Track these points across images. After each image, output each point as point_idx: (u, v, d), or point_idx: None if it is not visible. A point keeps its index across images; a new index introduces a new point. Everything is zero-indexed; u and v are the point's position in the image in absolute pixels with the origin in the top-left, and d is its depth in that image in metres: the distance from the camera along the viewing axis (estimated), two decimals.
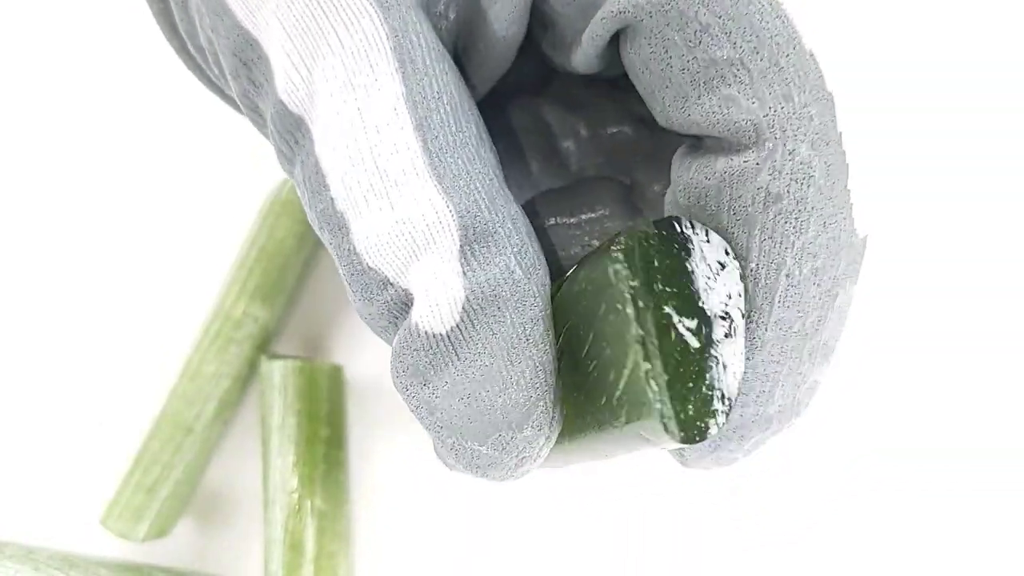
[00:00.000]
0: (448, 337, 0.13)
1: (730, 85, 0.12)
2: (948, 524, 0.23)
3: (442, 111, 0.13)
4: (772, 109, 0.12)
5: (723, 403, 0.12)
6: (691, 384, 0.11)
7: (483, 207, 0.13)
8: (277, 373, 0.23)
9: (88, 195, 0.27)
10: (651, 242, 0.12)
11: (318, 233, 0.14)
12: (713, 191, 0.13)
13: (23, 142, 0.27)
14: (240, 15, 0.14)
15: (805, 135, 0.12)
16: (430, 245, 0.13)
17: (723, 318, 0.12)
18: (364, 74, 0.13)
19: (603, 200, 0.18)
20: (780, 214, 0.12)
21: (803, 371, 0.13)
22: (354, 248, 0.13)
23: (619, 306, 0.12)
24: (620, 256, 0.12)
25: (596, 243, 0.17)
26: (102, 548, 0.25)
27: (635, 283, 0.12)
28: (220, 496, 0.25)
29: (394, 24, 0.13)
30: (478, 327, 0.13)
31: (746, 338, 0.13)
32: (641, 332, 0.11)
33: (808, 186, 0.12)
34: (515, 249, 0.13)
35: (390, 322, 0.14)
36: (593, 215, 0.18)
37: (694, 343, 0.12)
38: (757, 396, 0.13)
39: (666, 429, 0.11)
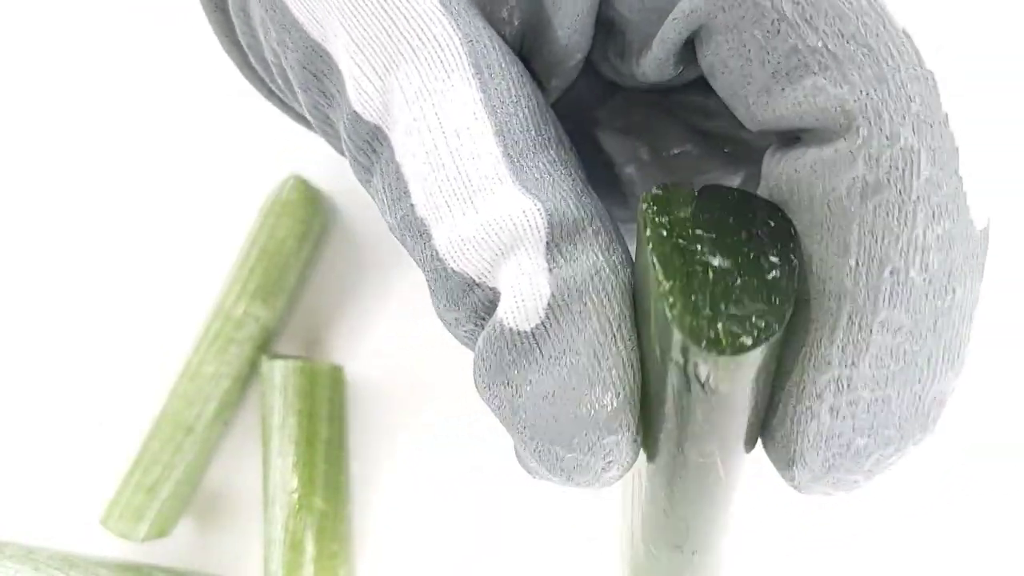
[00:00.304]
0: (532, 334, 0.12)
1: (815, 73, 0.11)
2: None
3: (520, 115, 0.13)
4: (864, 92, 0.11)
5: (767, 328, 0.11)
6: (721, 304, 0.11)
7: (569, 203, 0.13)
8: (278, 373, 0.23)
9: (88, 195, 0.27)
10: (682, 192, 0.12)
11: (399, 240, 0.14)
12: (804, 185, 0.12)
13: (23, 142, 0.27)
14: (308, 27, 0.14)
15: (905, 118, 0.11)
16: (517, 243, 0.12)
17: (767, 264, 0.12)
18: (440, 80, 0.13)
19: None
20: (881, 206, 0.11)
21: (923, 379, 0.12)
22: (437, 253, 0.13)
23: (644, 243, 0.11)
24: (648, 199, 0.12)
25: None
26: (102, 548, 0.25)
27: (661, 218, 0.12)
28: (220, 496, 0.25)
29: (466, 30, 0.13)
30: (564, 323, 0.12)
31: (849, 340, 0.12)
32: (661, 260, 0.11)
33: (911, 175, 0.11)
34: (602, 246, 0.13)
35: (476, 325, 0.14)
36: None
37: (728, 272, 0.11)
38: (868, 407, 0.12)
39: (690, 337, 0.10)
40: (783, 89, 0.12)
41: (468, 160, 0.13)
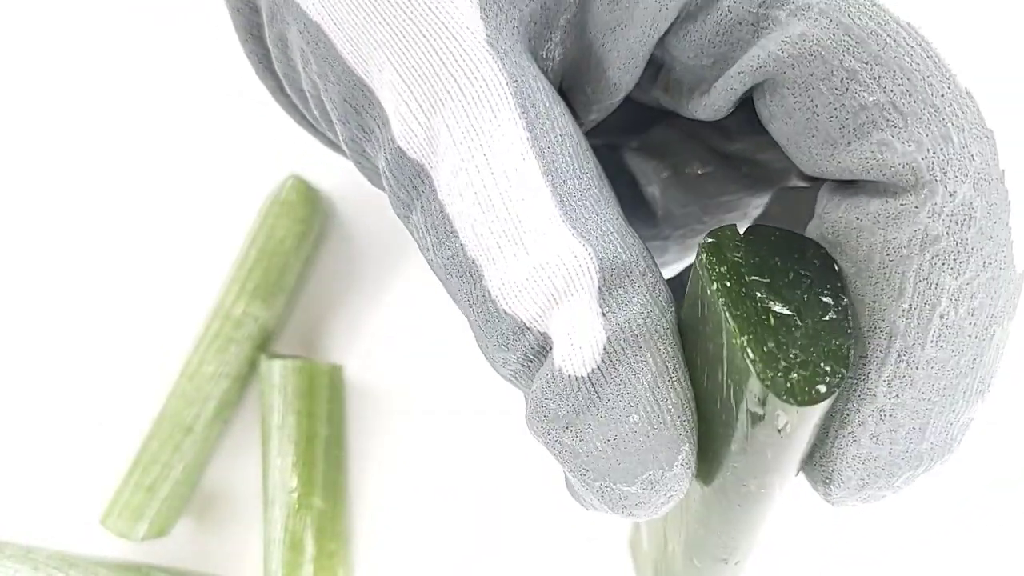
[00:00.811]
0: (590, 379, 0.13)
1: (883, 130, 0.12)
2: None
3: (567, 154, 0.13)
4: (931, 151, 0.12)
5: (835, 373, 0.11)
6: (791, 351, 0.11)
7: (617, 247, 0.13)
8: (277, 372, 0.23)
9: (88, 195, 0.27)
10: (729, 235, 0.12)
11: (442, 281, 0.14)
12: (866, 232, 0.12)
13: (24, 142, 0.27)
14: (351, 61, 0.14)
15: (967, 176, 0.12)
16: (570, 289, 0.13)
17: (825, 305, 0.12)
18: (488, 120, 0.13)
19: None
20: (937, 256, 0.12)
21: (956, 409, 0.13)
22: (489, 295, 0.13)
23: (711, 295, 0.12)
24: (707, 248, 0.12)
25: None
26: (101, 548, 0.25)
27: (721, 268, 0.12)
28: (220, 496, 0.25)
29: (512, 70, 0.13)
30: (620, 368, 0.13)
31: (896, 375, 0.12)
32: (732, 312, 0.12)
33: (969, 227, 0.12)
34: (650, 287, 0.13)
35: (524, 367, 0.14)
36: None
37: (790, 318, 0.12)
38: (907, 434, 0.13)
39: (770, 388, 0.11)
40: (849, 143, 0.12)
41: (518, 201, 0.13)
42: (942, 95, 0.12)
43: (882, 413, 0.13)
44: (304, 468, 0.23)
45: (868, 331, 0.12)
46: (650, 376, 0.13)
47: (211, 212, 0.26)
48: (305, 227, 0.24)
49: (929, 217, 0.12)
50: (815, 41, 0.12)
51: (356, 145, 0.15)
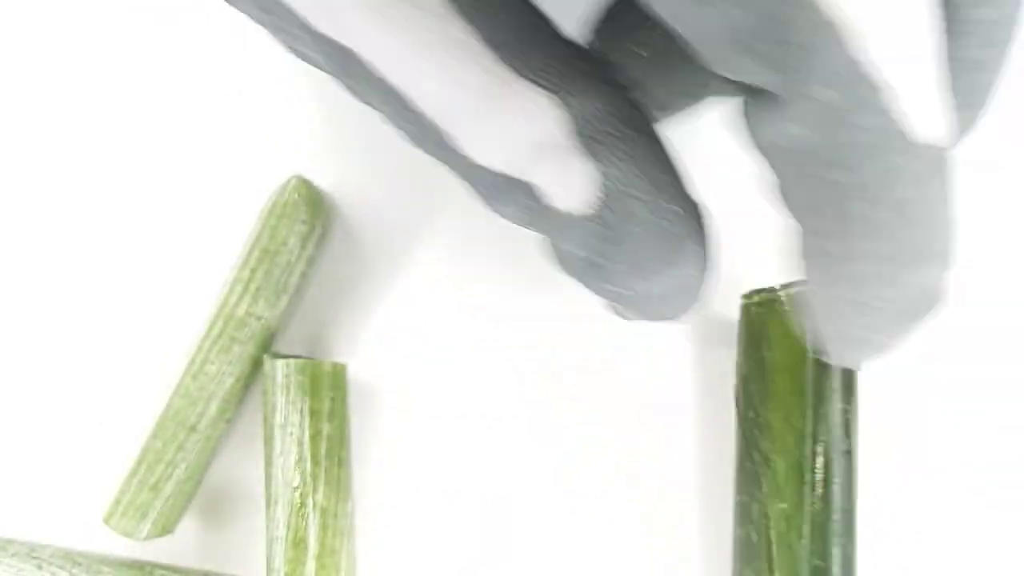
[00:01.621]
0: (599, 216, 0.13)
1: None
2: None
3: (509, 19, 0.13)
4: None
5: None
6: None
7: (581, 85, 0.13)
8: (280, 371, 0.23)
9: (88, 194, 0.27)
10: None
11: (421, 149, 0.14)
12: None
13: (24, 143, 0.27)
14: None
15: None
16: (546, 140, 0.13)
17: None
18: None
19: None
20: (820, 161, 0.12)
21: (897, 278, 0.13)
22: (466, 157, 0.13)
23: None
24: None
25: None
26: (105, 546, 0.25)
27: None
28: (223, 494, 0.25)
29: None
30: (623, 199, 0.13)
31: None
32: None
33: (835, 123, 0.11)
34: (626, 117, 0.13)
35: (531, 212, 0.14)
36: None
37: None
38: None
39: None
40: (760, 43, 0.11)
41: (464, 70, 0.12)
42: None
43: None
44: (307, 466, 0.23)
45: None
46: (654, 200, 0.13)
47: (213, 212, 0.26)
48: (308, 228, 0.25)
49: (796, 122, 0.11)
50: None
51: (289, 47, 0.14)
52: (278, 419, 0.23)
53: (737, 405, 0.22)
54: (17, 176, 0.27)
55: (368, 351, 0.25)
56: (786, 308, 0.21)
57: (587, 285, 0.14)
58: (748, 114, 0.13)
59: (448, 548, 0.24)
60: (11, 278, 0.27)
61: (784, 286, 0.21)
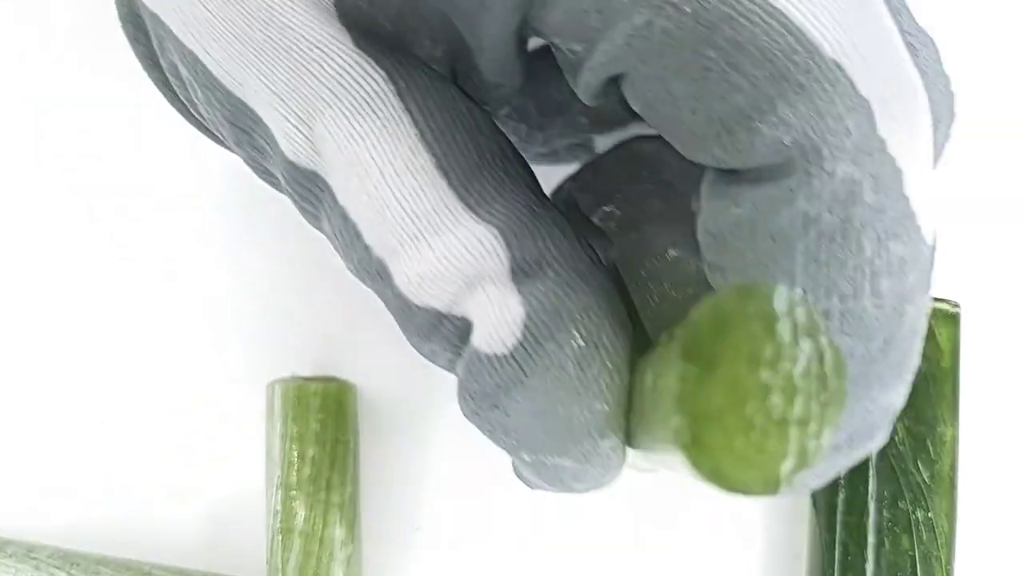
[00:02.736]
0: (512, 356, 0.12)
1: (750, 118, 0.11)
2: None
3: (459, 138, 0.13)
4: (801, 132, 0.11)
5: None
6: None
7: (525, 221, 0.13)
8: (266, 394, 0.23)
9: (88, 193, 0.27)
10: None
11: (360, 280, 0.14)
12: (746, 220, 0.12)
13: (25, 143, 0.27)
14: (228, 85, 0.14)
15: (844, 151, 0.11)
16: (479, 272, 0.13)
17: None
18: (370, 121, 0.12)
19: (674, 240, 0.16)
20: (823, 235, 0.11)
21: (873, 396, 0.12)
22: (399, 292, 0.13)
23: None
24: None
25: (677, 291, 0.16)
26: (103, 547, 0.25)
27: None
28: (223, 494, 0.25)
29: (387, 66, 0.13)
30: (541, 340, 0.12)
31: None
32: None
33: (854, 203, 0.11)
34: (566, 259, 0.13)
35: (454, 354, 0.14)
36: (665, 261, 0.16)
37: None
38: None
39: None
40: (718, 135, 0.11)
41: (413, 197, 0.12)
42: (807, 71, 0.11)
43: None
44: (285, 492, 0.23)
45: None
46: (575, 346, 0.12)
47: (214, 210, 0.26)
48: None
49: (807, 200, 0.11)
50: (662, 31, 0.11)
51: (257, 165, 0.15)
52: (265, 444, 0.23)
53: None
54: (17, 177, 0.27)
55: (381, 369, 0.25)
56: None
57: (492, 436, 0.13)
58: (728, 194, 0.12)
59: (455, 554, 0.24)
60: (10, 278, 0.27)
61: None
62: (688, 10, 0.11)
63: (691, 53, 0.11)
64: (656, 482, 0.23)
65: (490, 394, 0.13)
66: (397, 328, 0.22)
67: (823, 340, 0.09)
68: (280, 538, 0.22)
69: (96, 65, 0.27)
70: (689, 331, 0.09)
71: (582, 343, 0.12)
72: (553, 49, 0.14)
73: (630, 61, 0.12)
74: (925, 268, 0.12)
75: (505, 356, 0.12)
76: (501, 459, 0.24)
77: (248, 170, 0.25)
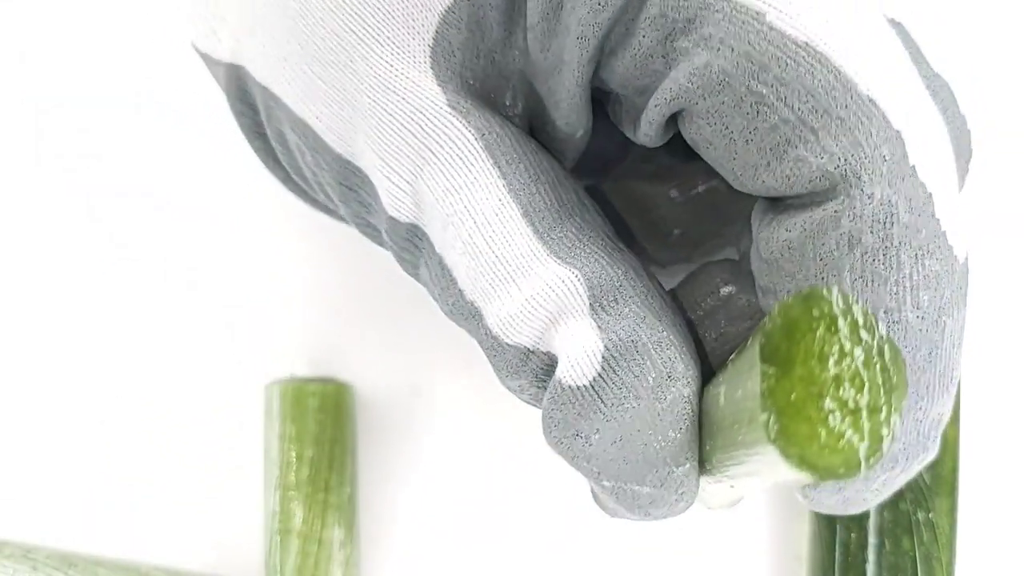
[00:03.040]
0: (592, 387, 0.13)
1: (796, 147, 0.12)
2: None
3: (542, 191, 0.14)
4: (843, 159, 0.12)
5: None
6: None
7: (603, 263, 0.14)
8: (264, 395, 0.23)
9: (88, 193, 0.27)
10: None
11: (456, 323, 0.15)
12: (796, 243, 0.13)
13: (25, 143, 0.27)
14: (338, 148, 0.15)
15: (880, 175, 0.12)
16: (563, 310, 0.14)
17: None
18: (463, 175, 0.14)
19: (725, 278, 0.18)
20: (867, 253, 0.12)
21: (922, 406, 0.13)
22: (491, 331, 0.14)
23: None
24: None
25: (732, 326, 0.17)
26: (101, 548, 0.25)
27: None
28: (222, 494, 0.25)
29: (477, 124, 0.14)
30: (619, 372, 0.13)
31: None
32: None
33: (892, 223, 0.12)
34: (642, 296, 0.14)
35: (538, 388, 0.15)
36: (719, 298, 0.18)
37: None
38: None
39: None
40: (768, 164, 0.13)
41: (503, 244, 0.14)
42: (846, 106, 0.12)
43: None
44: (283, 492, 0.23)
45: None
46: (651, 378, 0.13)
47: (215, 210, 0.26)
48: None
49: (851, 221, 0.12)
50: (720, 70, 0.13)
51: (361, 219, 0.16)
52: (263, 444, 0.23)
53: None
54: (17, 177, 0.27)
55: (378, 370, 0.25)
56: None
57: (574, 464, 0.14)
58: (779, 222, 0.13)
59: (454, 557, 0.24)
60: (11, 278, 0.27)
61: None
62: (742, 51, 0.12)
63: (745, 89, 0.12)
64: None
65: (572, 423, 0.14)
66: (394, 329, 0.22)
67: (880, 334, 0.11)
68: (278, 539, 0.22)
69: (96, 65, 0.27)
70: (764, 337, 0.11)
71: (656, 374, 0.13)
72: (613, 102, 0.15)
73: (691, 98, 0.13)
74: (959, 283, 0.13)
75: (586, 387, 0.13)
76: (500, 459, 0.24)
77: (248, 172, 0.25)
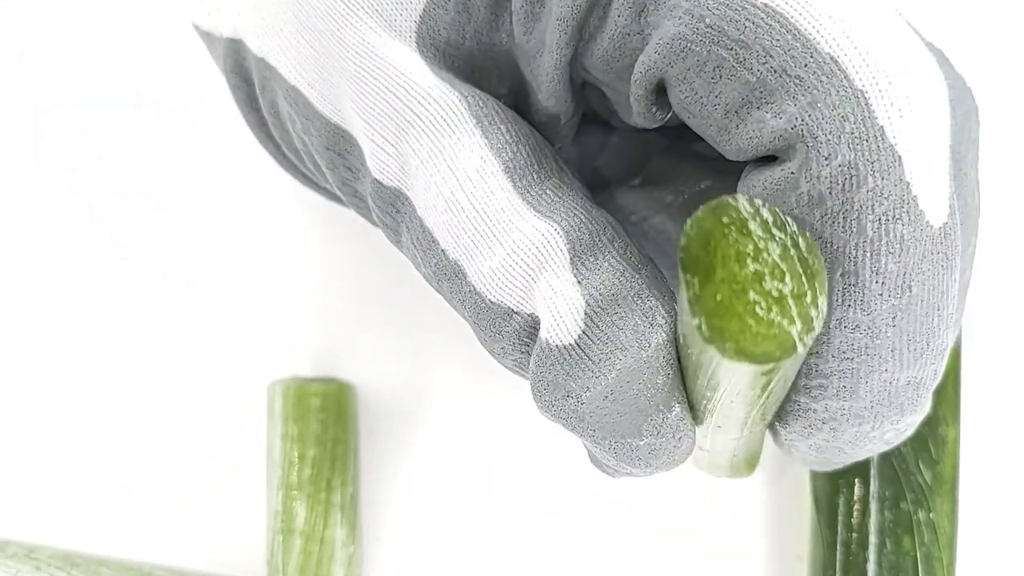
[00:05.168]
0: (578, 344, 0.13)
1: (758, 108, 0.12)
2: None
3: (523, 151, 0.15)
4: (799, 119, 0.12)
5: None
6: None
7: (582, 218, 0.14)
8: (267, 395, 0.23)
9: (88, 193, 0.27)
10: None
11: (436, 288, 0.15)
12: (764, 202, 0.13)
13: (25, 143, 0.27)
14: (327, 113, 0.16)
15: (840, 137, 0.12)
16: (544, 265, 0.14)
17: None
18: (447, 136, 0.14)
19: None
20: (827, 215, 0.12)
21: (888, 368, 0.13)
22: (474, 289, 0.14)
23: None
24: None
25: None
26: (104, 547, 0.25)
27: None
28: (224, 494, 0.25)
29: (462, 91, 0.15)
30: (603, 326, 0.13)
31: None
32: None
33: (853, 186, 0.12)
34: (620, 251, 0.14)
35: (522, 352, 0.15)
36: None
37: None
38: (837, 391, 0.13)
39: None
40: (737, 126, 0.13)
41: (484, 200, 0.14)
42: (805, 65, 0.12)
43: (808, 369, 0.13)
44: (285, 492, 0.23)
45: None
46: (634, 328, 0.13)
47: (215, 210, 0.26)
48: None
49: (808, 182, 0.12)
50: (682, 38, 0.13)
51: (348, 187, 0.16)
52: (266, 444, 0.23)
53: None
54: (19, 176, 0.27)
55: (376, 367, 0.25)
56: None
57: (568, 425, 0.14)
58: (748, 183, 0.13)
59: (456, 556, 0.24)
60: (11, 278, 0.27)
61: None
62: (702, 17, 0.13)
63: (707, 54, 0.13)
64: (657, 482, 0.23)
65: (562, 383, 0.14)
66: (396, 329, 0.23)
67: (792, 229, 0.11)
68: (281, 538, 0.22)
69: (96, 65, 0.27)
70: (683, 251, 0.11)
71: (639, 324, 0.13)
72: (602, 100, 0.16)
73: (661, 67, 0.13)
74: (933, 248, 0.13)
75: (571, 345, 0.13)
76: (502, 459, 0.25)
77: (249, 172, 0.25)
